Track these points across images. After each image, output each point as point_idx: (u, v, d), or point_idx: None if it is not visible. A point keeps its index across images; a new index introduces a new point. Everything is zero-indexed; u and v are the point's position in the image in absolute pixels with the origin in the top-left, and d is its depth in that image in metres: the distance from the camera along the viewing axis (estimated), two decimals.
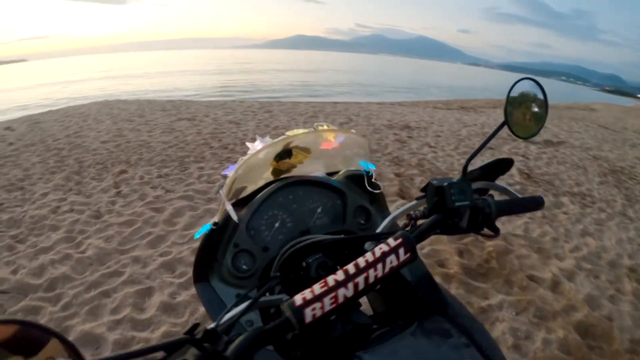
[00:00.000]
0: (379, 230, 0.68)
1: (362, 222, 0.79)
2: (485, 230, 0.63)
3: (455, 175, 0.64)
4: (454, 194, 0.59)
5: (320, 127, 0.78)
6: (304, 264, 0.59)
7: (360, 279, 0.43)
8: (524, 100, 0.67)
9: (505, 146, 5.79)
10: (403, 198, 3.42)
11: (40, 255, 2.40)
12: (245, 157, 0.70)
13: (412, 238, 0.47)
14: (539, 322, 1.98)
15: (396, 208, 0.70)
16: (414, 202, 0.68)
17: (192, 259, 0.71)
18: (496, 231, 0.63)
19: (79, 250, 2.46)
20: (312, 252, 0.59)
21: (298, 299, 0.41)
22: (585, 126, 9.56)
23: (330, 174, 0.84)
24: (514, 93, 0.65)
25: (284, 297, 0.53)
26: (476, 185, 0.68)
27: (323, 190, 0.78)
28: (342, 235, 0.63)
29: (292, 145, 0.74)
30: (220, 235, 0.68)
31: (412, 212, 0.65)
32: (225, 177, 0.71)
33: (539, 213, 3.33)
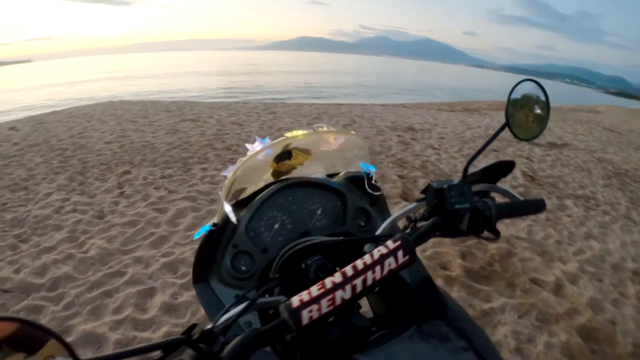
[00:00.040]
0: (378, 232, 0.68)
1: (362, 224, 0.78)
2: (486, 233, 0.62)
3: (458, 178, 0.63)
4: (453, 196, 0.59)
5: (319, 129, 0.77)
6: (303, 265, 0.58)
7: (358, 281, 0.43)
8: (526, 101, 0.67)
9: (510, 148, 5.76)
10: (406, 200, 3.41)
11: (43, 254, 2.42)
12: (244, 158, 0.70)
13: (411, 240, 0.47)
14: (541, 325, 1.97)
15: (399, 210, 0.70)
16: (414, 204, 0.67)
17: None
18: (497, 234, 0.62)
19: (81, 250, 2.47)
20: (311, 254, 0.59)
21: (295, 300, 0.41)
22: (590, 128, 9.49)
23: (330, 176, 0.83)
24: (516, 95, 0.64)
25: (282, 298, 0.53)
26: (477, 187, 0.67)
27: (323, 192, 0.77)
28: (342, 237, 0.63)
29: (291, 146, 0.74)
30: (219, 236, 0.67)
31: (412, 215, 0.64)
32: (225, 178, 0.71)
33: (542, 215, 3.30)
